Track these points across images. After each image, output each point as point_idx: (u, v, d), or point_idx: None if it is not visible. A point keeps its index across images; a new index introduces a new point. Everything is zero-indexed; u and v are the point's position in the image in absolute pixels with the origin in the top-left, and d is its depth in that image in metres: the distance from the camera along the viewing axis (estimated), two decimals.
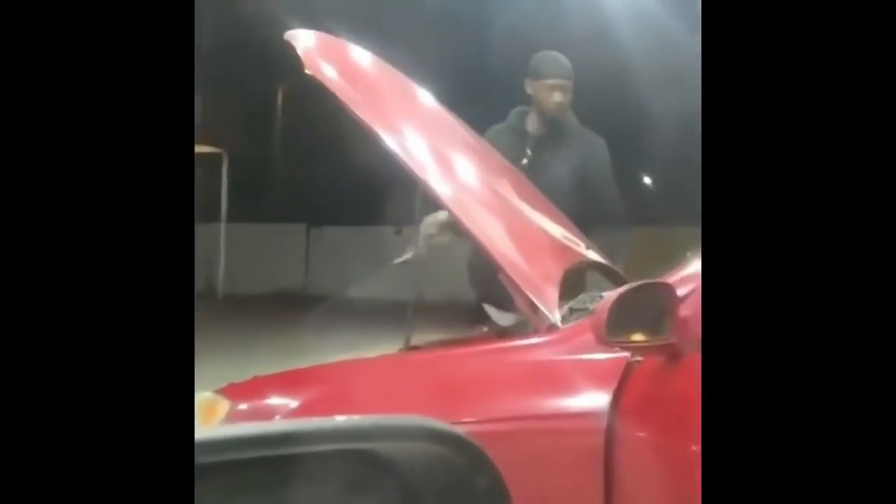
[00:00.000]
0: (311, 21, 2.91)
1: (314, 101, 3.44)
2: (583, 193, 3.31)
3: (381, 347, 3.26)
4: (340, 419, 0.95)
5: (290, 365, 3.02)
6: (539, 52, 3.53)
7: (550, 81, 3.40)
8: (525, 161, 3.39)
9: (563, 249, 2.68)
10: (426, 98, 3.04)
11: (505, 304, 3.10)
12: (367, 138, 2.45)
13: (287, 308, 12.95)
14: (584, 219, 3.22)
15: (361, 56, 2.95)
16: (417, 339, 2.92)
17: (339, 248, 15.18)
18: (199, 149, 18.50)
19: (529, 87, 3.46)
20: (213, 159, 18.45)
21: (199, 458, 0.70)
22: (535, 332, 2.21)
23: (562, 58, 3.47)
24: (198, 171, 18.16)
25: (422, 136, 2.82)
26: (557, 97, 3.40)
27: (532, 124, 3.50)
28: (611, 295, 2.21)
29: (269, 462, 0.75)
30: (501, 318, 3.16)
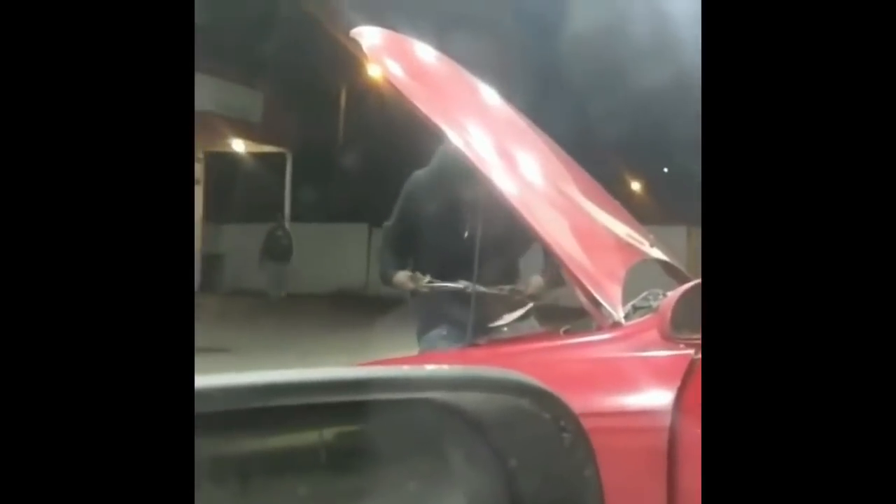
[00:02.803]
0: (377, 18, 2.95)
1: (378, 98, 3.49)
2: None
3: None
4: (427, 368, 0.97)
5: (353, 362, 3.08)
6: None
7: None
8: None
9: (626, 247, 2.68)
10: (490, 95, 3.06)
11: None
12: (432, 136, 2.48)
13: (349, 307, 13.07)
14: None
15: (426, 52, 2.98)
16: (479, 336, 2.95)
17: None
18: (262, 148, 18.74)
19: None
20: (277, 159, 18.69)
21: (279, 401, 0.71)
22: (599, 329, 2.22)
23: None
24: (261, 170, 18.29)
25: (486, 133, 2.84)
26: None
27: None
28: (675, 292, 2.22)
29: (354, 407, 0.77)
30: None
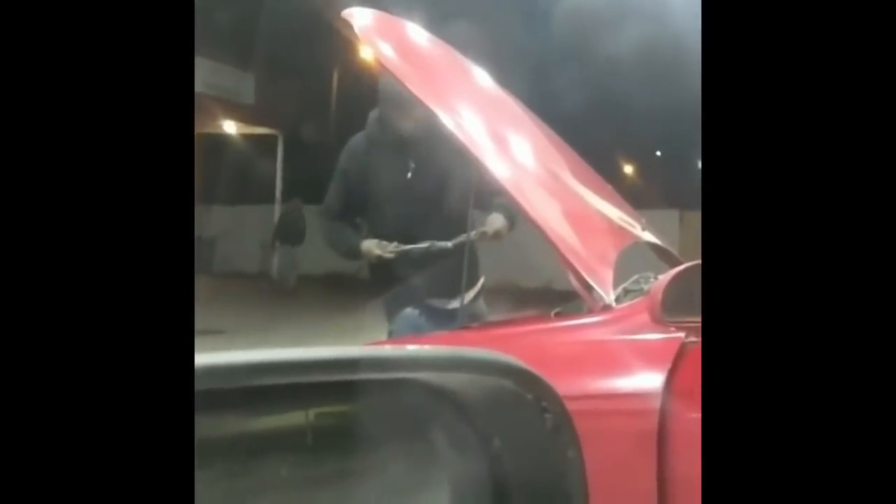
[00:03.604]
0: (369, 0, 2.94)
1: (371, 80, 3.47)
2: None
3: None
4: (412, 348, 0.97)
5: (348, 344, 3.08)
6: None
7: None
8: (409, 175, 3.27)
9: (618, 231, 2.69)
10: (483, 77, 3.05)
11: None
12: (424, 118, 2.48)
13: (342, 289, 13.08)
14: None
15: (418, 34, 2.97)
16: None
17: None
18: (253, 130, 18.69)
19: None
20: (269, 140, 18.64)
21: (264, 381, 0.71)
22: (590, 312, 2.23)
23: None
24: (252, 152, 18.20)
25: (478, 116, 2.84)
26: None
27: (390, 128, 3.32)
28: (666, 275, 2.23)
29: (338, 387, 0.77)
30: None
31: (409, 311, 3.27)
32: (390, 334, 3.24)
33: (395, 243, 3.15)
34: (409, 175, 3.24)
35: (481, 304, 3.31)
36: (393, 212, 3.24)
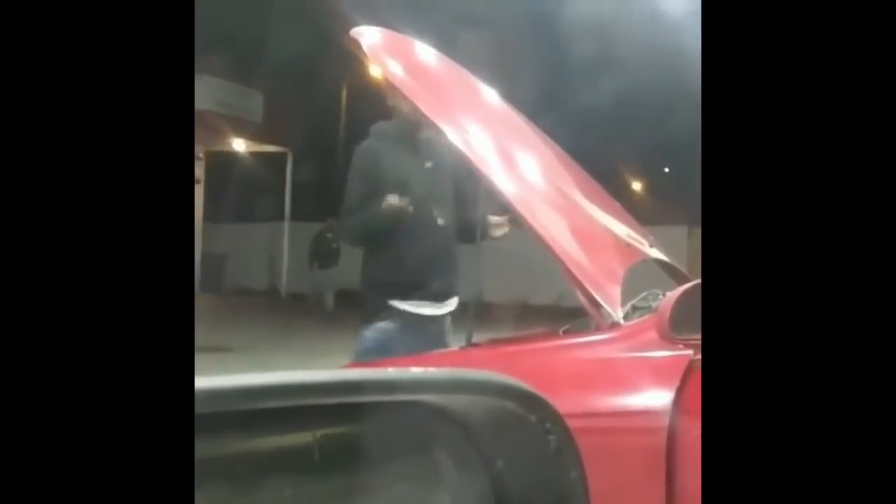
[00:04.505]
0: (378, 18, 2.95)
1: (379, 98, 3.48)
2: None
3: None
4: (413, 370, 0.97)
5: (349, 363, 3.07)
6: None
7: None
8: (430, 164, 3.34)
9: (626, 247, 2.68)
10: (491, 95, 3.06)
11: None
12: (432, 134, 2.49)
13: (350, 305, 13.08)
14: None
15: (426, 52, 2.98)
16: (478, 336, 2.95)
17: None
18: (263, 148, 18.76)
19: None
20: (278, 158, 18.70)
21: (267, 404, 0.70)
22: (598, 330, 2.22)
23: None
24: (262, 169, 18.23)
25: (486, 133, 2.84)
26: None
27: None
28: (674, 292, 2.22)
29: (342, 409, 0.77)
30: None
31: (381, 325, 3.25)
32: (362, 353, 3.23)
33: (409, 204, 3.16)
34: (429, 165, 3.30)
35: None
36: (412, 195, 3.22)
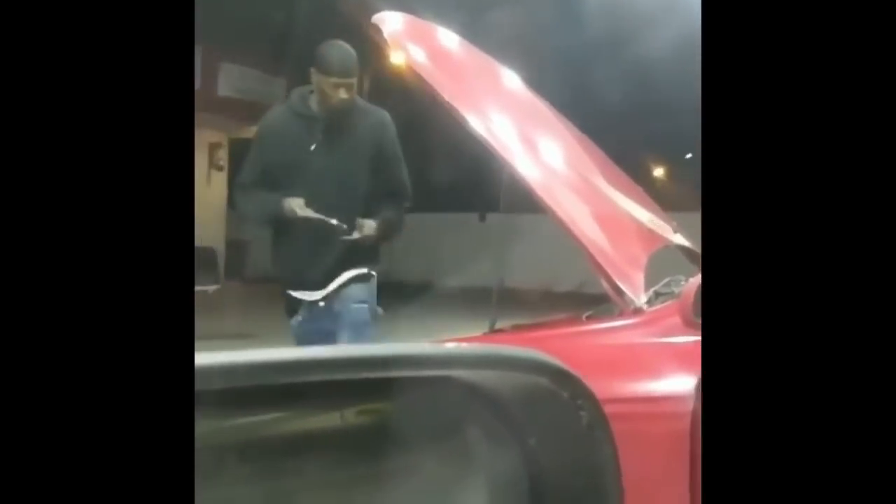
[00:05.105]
0: (400, 3, 2.95)
1: (400, 84, 3.50)
2: (375, 172, 3.32)
3: (466, 331, 3.31)
4: (448, 346, 0.97)
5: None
6: (325, 45, 3.37)
7: (334, 80, 3.26)
8: (314, 146, 3.29)
9: (649, 233, 2.68)
10: (513, 80, 3.06)
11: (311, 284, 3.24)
12: (454, 122, 2.49)
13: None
14: (374, 196, 3.28)
15: (448, 38, 2.98)
16: (502, 322, 2.96)
17: (423, 235, 15.31)
18: None
19: (314, 77, 3.33)
20: None
21: (302, 378, 0.71)
22: (621, 315, 2.22)
23: (347, 54, 3.32)
24: None
25: (508, 119, 2.84)
26: (342, 94, 3.27)
27: (317, 107, 3.37)
28: (697, 278, 2.22)
29: (373, 384, 0.77)
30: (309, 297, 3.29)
31: (294, 320, 3.36)
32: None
33: (310, 210, 3.19)
34: (313, 147, 3.29)
35: (361, 289, 3.29)
36: (300, 185, 3.27)
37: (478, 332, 3.03)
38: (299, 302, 3.31)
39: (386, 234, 3.30)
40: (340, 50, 3.32)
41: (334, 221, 3.15)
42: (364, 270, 3.28)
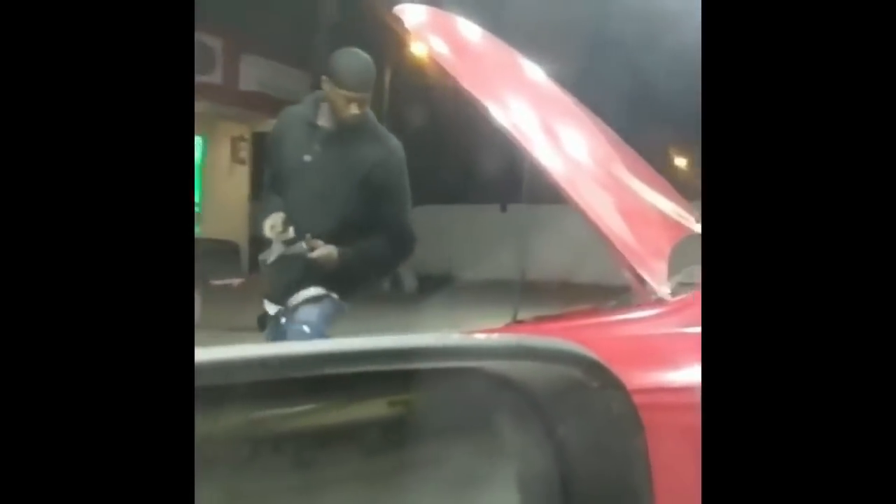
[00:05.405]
0: None
1: (423, 76, 3.50)
2: (366, 202, 3.12)
3: (489, 322, 3.31)
4: (479, 337, 0.98)
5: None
6: (341, 53, 3.20)
7: (346, 93, 3.10)
8: (309, 158, 3.16)
9: (673, 224, 2.67)
10: (535, 72, 3.05)
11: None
12: (476, 113, 2.49)
13: (392, 284, 13.12)
14: (356, 226, 3.10)
15: (470, 29, 2.98)
16: (524, 313, 2.96)
17: (443, 227, 15.31)
18: None
19: (326, 86, 3.15)
20: None
21: (336, 370, 0.71)
22: (644, 306, 2.22)
23: (364, 66, 3.16)
24: None
25: (531, 110, 2.83)
26: (353, 109, 3.12)
27: (324, 118, 3.22)
28: None
29: (407, 375, 0.77)
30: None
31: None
32: None
33: (291, 230, 3.06)
34: (307, 158, 3.17)
35: (310, 311, 3.15)
36: (292, 194, 3.17)
37: (500, 323, 3.04)
38: (267, 316, 3.25)
39: (354, 266, 3.11)
40: (357, 60, 3.14)
41: (274, 249, 3.05)
42: (320, 292, 3.13)
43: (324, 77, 3.12)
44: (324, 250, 3.03)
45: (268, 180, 3.33)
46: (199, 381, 0.69)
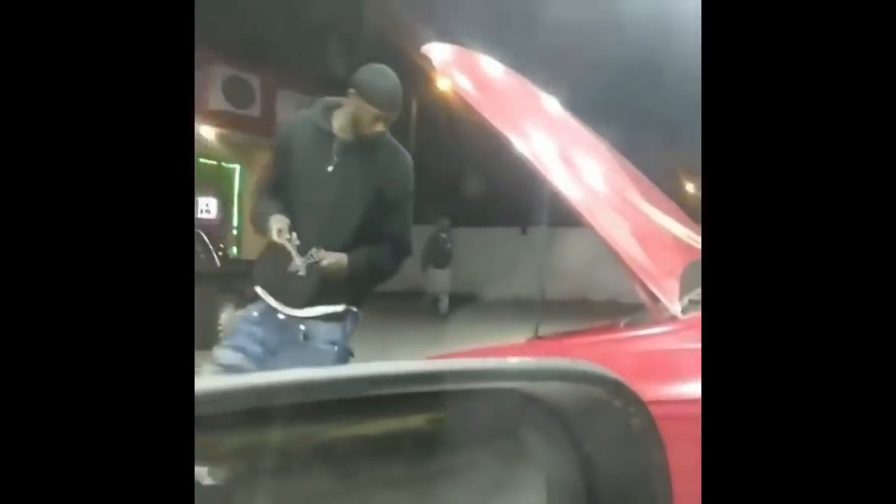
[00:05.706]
0: (444, 33, 2.98)
1: (447, 110, 3.52)
2: (376, 210, 2.97)
3: (511, 337, 3.33)
4: (509, 360, 0.99)
5: (428, 354, 3.11)
6: (373, 70, 2.99)
7: (375, 111, 2.91)
8: (331, 168, 2.98)
9: (685, 247, 2.68)
10: (552, 103, 3.08)
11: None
12: (498, 144, 2.52)
13: (417, 302, 13.07)
14: (365, 234, 2.95)
15: (492, 66, 3.01)
16: (544, 329, 2.97)
17: (468, 248, 15.33)
18: None
19: (353, 98, 2.94)
20: None
21: (380, 391, 0.71)
22: (657, 323, 2.23)
23: (396, 88, 2.95)
24: None
25: (549, 140, 2.86)
26: (379, 127, 2.94)
27: (340, 126, 3.02)
28: None
29: (442, 396, 0.79)
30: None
31: (248, 315, 3.01)
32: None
33: (294, 236, 2.86)
34: (330, 168, 2.99)
35: (334, 330, 2.98)
36: (307, 202, 2.98)
37: (522, 338, 3.05)
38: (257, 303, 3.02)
39: (361, 273, 2.96)
40: (388, 80, 2.97)
41: (299, 261, 2.83)
42: (341, 308, 2.99)
43: (351, 90, 2.96)
44: (333, 258, 2.89)
45: (271, 181, 3.14)
46: (256, 402, 0.68)
